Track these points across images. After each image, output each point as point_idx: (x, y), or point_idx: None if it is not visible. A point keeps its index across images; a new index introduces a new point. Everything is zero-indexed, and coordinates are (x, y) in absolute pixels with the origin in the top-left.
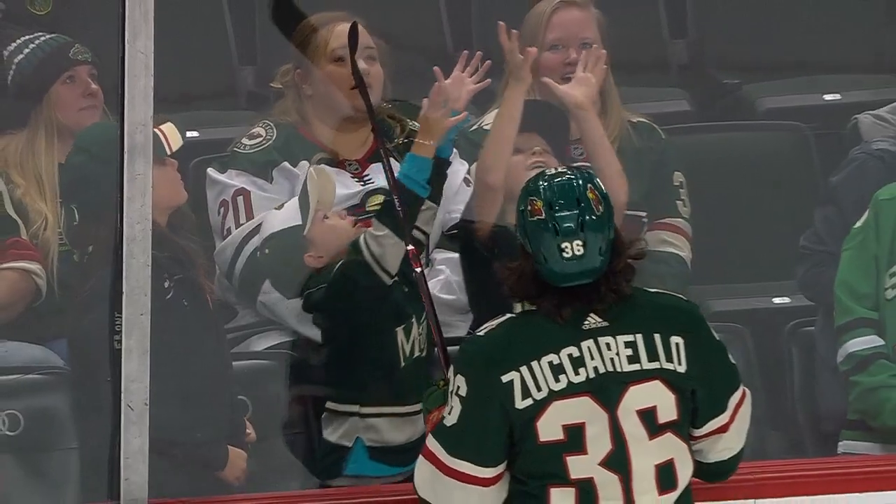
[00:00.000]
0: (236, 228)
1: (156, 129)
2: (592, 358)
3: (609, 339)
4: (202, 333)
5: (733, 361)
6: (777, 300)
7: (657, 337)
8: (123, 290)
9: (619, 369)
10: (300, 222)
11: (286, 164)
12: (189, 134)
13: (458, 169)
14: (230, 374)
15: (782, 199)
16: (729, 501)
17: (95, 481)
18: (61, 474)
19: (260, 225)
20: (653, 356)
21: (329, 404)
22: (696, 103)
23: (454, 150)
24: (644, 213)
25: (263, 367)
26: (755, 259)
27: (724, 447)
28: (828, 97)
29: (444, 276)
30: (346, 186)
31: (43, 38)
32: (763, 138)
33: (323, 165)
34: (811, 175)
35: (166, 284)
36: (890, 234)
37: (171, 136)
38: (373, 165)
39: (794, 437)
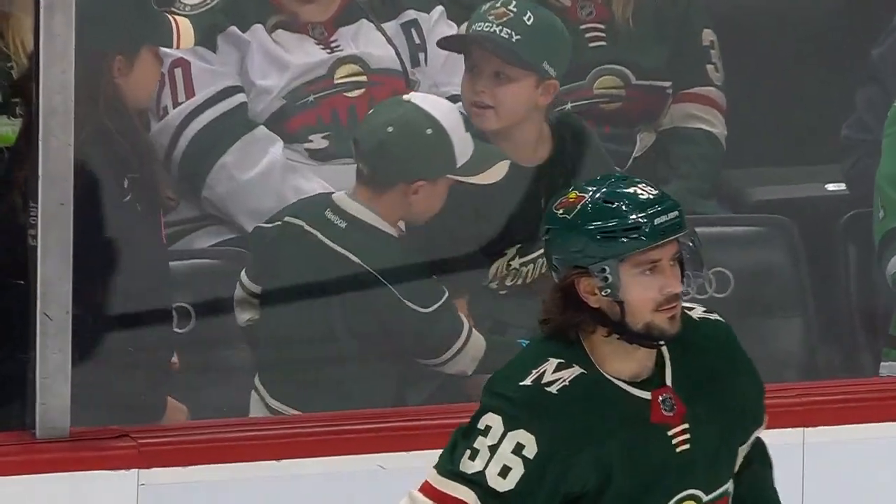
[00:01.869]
0: (174, 107)
1: (171, 17)
2: None
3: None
4: (148, 244)
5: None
6: (832, 186)
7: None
8: (39, 174)
9: None
10: None
11: (234, 28)
12: None
13: (446, 32)
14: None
15: (835, 66)
16: (774, 430)
17: (6, 406)
18: None
19: (206, 103)
20: None
21: None
22: None
23: (441, 8)
24: (668, 83)
25: (207, 268)
26: (803, 137)
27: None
28: None
29: None
30: (308, 55)
31: None
32: None
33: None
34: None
35: (126, 184)
36: None
37: (185, 32)
38: (341, 29)
39: (849, 353)
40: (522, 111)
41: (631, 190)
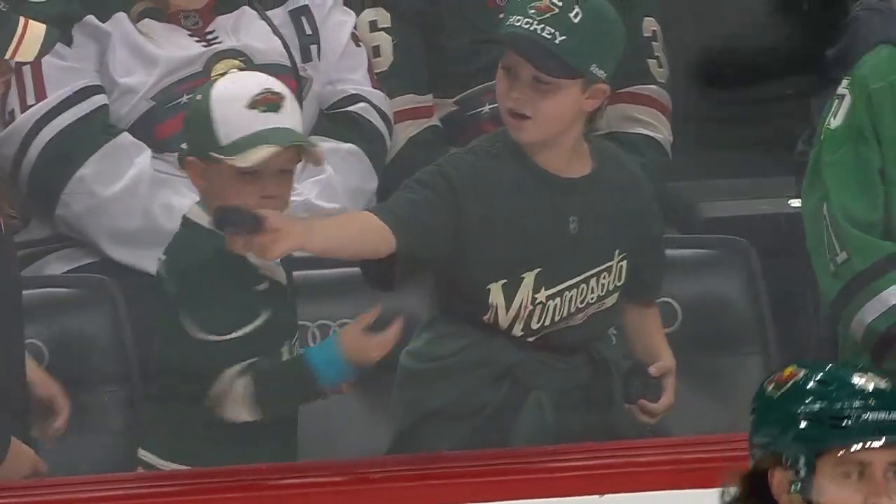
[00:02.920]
0: (22, 111)
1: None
2: None
3: None
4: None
5: None
6: (795, 202)
7: None
8: None
9: None
10: None
11: (91, 17)
12: None
13: (342, 21)
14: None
15: (796, 57)
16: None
17: None
18: None
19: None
20: None
21: None
22: None
23: None
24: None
25: (62, 298)
26: (762, 144)
27: None
28: None
29: (326, 176)
30: (182, 48)
31: None
32: None
33: None
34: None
35: None
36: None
37: (31, 39)
38: (219, 19)
39: None
40: (565, 122)
41: (857, 376)
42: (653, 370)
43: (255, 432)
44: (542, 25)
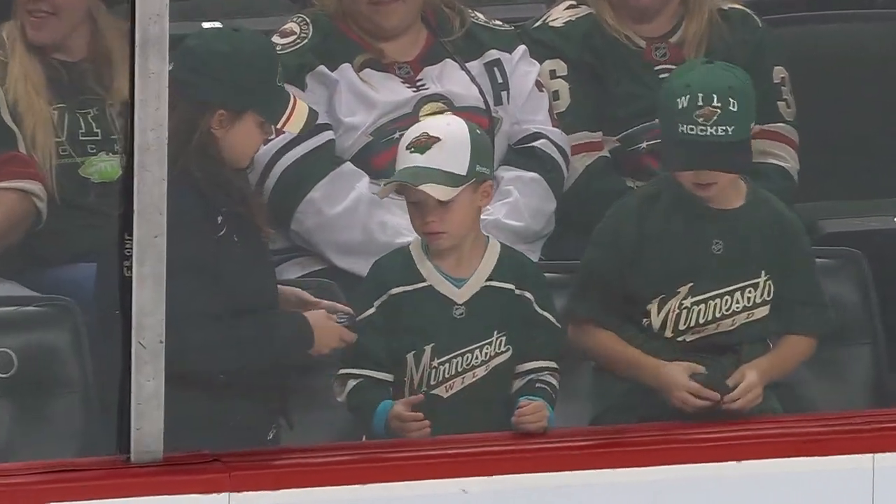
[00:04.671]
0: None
1: (293, 97)
2: None
3: None
4: (254, 273)
5: None
6: None
7: None
8: (135, 208)
9: None
10: None
11: (323, 67)
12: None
13: (528, 71)
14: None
15: None
16: (844, 455)
17: (103, 431)
18: (63, 422)
19: (295, 140)
20: None
21: None
22: None
23: (524, 47)
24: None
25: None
26: (875, 170)
27: None
28: None
29: (513, 199)
30: (395, 93)
31: None
32: (883, 30)
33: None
34: None
35: (219, 220)
36: None
37: (298, 116)
38: (427, 69)
39: None
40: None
41: None
42: (733, 385)
43: None
44: (714, 127)
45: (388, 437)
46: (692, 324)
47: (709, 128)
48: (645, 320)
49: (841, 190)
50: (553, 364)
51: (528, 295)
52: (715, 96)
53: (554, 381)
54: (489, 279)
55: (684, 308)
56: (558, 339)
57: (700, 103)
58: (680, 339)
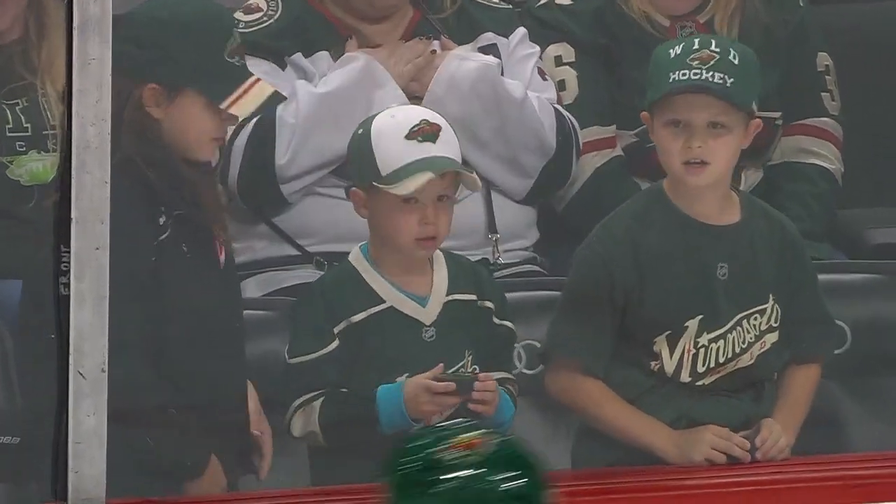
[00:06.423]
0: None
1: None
2: None
3: None
4: (205, 291)
5: None
6: None
7: None
8: (72, 215)
9: None
10: None
11: (299, 55)
12: None
13: (528, 53)
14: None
15: None
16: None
17: (34, 475)
18: None
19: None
20: None
21: None
22: None
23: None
24: (777, 113)
25: (260, 320)
26: None
27: None
28: None
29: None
30: None
31: None
32: None
33: None
34: None
35: (161, 220)
36: None
37: (252, 97)
38: None
39: None
40: (735, 161)
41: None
42: (757, 440)
43: None
44: (711, 72)
45: (408, 423)
46: (712, 364)
47: (704, 71)
48: (654, 363)
49: (891, 195)
50: (511, 376)
51: (488, 304)
52: (714, 41)
53: (514, 391)
54: (449, 293)
55: (701, 347)
56: (513, 348)
57: (696, 47)
58: (699, 382)
